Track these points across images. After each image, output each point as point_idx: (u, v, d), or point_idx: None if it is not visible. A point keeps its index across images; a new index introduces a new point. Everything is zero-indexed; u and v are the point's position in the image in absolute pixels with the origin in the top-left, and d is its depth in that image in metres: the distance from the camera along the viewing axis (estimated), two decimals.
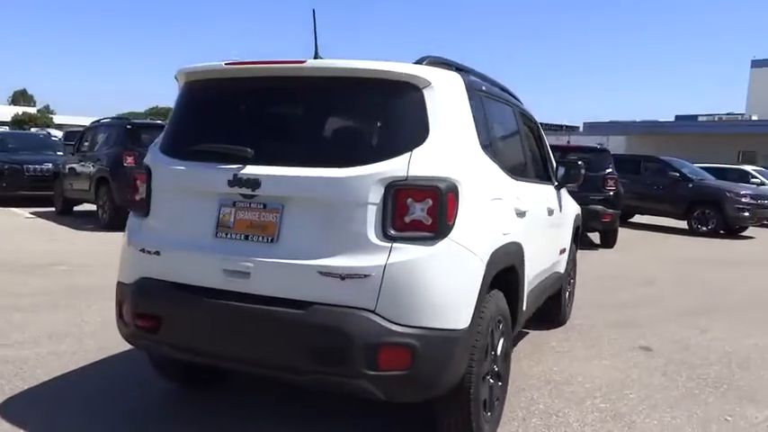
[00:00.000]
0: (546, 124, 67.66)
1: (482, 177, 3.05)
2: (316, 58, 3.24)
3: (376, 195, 2.63)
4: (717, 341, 5.38)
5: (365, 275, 2.59)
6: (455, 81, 3.04)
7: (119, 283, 3.25)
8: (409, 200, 2.64)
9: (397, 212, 2.63)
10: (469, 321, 2.73)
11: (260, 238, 2.80)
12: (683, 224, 14.41)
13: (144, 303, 3.02)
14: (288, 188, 2.75)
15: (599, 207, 10.47)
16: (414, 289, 2.60)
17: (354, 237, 2.64)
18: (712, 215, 13.48)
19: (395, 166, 2.66)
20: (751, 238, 14.20)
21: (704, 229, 13.60)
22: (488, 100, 3.50)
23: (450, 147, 2.81)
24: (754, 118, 38.01)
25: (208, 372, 3.73)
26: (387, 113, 2.82)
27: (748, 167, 18.40)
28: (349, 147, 2.83)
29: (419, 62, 2.98)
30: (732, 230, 13.94)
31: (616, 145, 35.67)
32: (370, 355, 2.56)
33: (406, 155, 2.69)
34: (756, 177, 16.84)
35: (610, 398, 3.94)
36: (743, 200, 13.36)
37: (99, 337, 4.65)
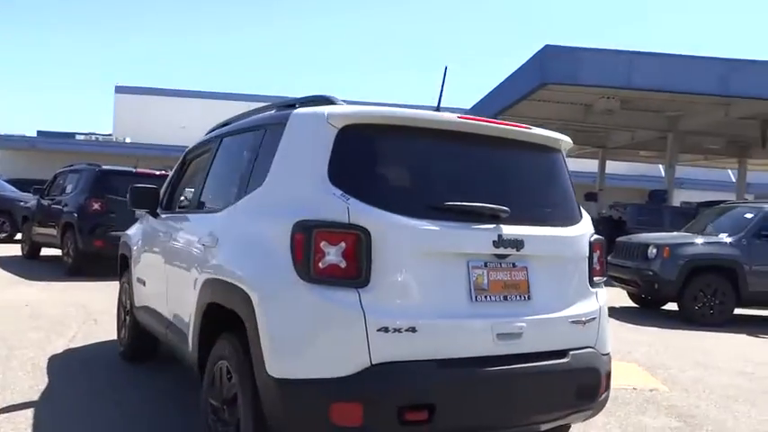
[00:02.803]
0: None
1: None
2: (437, 110, 3.25)
3: (587, 249, 3.15)
4: None
5: (593, 318, 3.08)
6: None
7: (308, 382, 2.48)
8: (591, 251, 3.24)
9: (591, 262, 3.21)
10: None
11: (518, 297, 2.84)
12: None
13: (414, 393, 2.51)
14: (540, 247, 2.91)
15: None
16: (607, 324, 3.23)
17: (580, 286, 3.10)
18: None
19: (588, 223, 3.23)
20: None
21: None
22: None
23: None
24: (127, 140, 40.82)
25: None
26: (566, 175, 3.28)
27: None
28: (563, 206, 3.16)
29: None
30: None
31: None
32: (602, 386, 3.08)
33: (582, 212, 3.28)
34: None
35: None
36: None
37: None
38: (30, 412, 3.97)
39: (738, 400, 5.06)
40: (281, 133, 3.03)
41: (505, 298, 2.81)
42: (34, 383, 4.54)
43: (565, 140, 3.28)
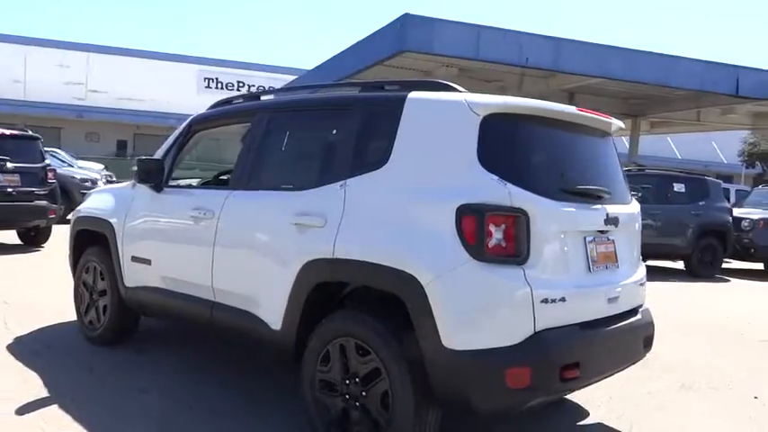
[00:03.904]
0: None
1: None
2: None
3: (640, 222, 3.72)
4: None
5: (644, 280, 3.68)
6: None
7: (485, 351, 2.75)
8: None
9: None
10: None
11: (613, 266, 3.32)
12: None
13: (569, 353, 2.91)
14: (623, 223, 3.40)
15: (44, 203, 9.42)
16: None
17: (637, 253, 3.67)
18: None
19: (635, 199, 3.79)
20: None
21: None
22: None
23: None
24: None
25: None
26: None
27: None
28: (624, 186, 3.64)
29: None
30: None
31: None
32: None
33: None
34: None
35: None
36: None
37: None
38: (56, 409, 3.65)
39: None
40: (396, 116, 3.15)
41: (606, 267, 3.28)
42: (24, 378, 4.11)
43: (619, 125, 3.75)
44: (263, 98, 4.16)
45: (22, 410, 3.61)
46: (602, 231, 3.27)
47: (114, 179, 21.45)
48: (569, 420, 3.94)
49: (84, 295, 5.03)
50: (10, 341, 4.88)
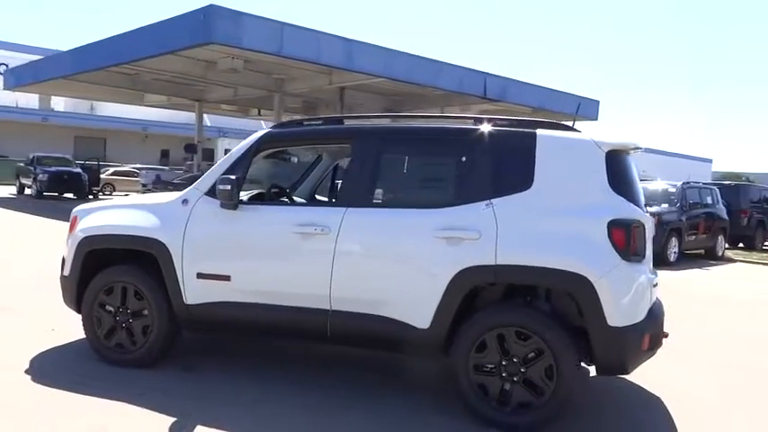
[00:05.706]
0: None
1: None
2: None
3: None
4: None
5: None
6: None
7: (632, 326, 3.78)
8: None
9: None
10: None
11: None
12: None
13: (663, 323, 4.10)
14: None
15: None
16: None
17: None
18: None
19: None
20: None
21: None
22: None
23: None
24: None
25: None
26: None
27: None
28: None
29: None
30: None
31: None
32: None
33: None
34: None
35: None
36: None
37: None
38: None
39: None
40: (530, 149, 3.97)
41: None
42: (117, 410, 3.93)
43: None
44: (347, 123, 4.53)
45: None
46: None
47: None
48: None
49: (103, 318, 4.72)
50: (25, 376, 4.41)
